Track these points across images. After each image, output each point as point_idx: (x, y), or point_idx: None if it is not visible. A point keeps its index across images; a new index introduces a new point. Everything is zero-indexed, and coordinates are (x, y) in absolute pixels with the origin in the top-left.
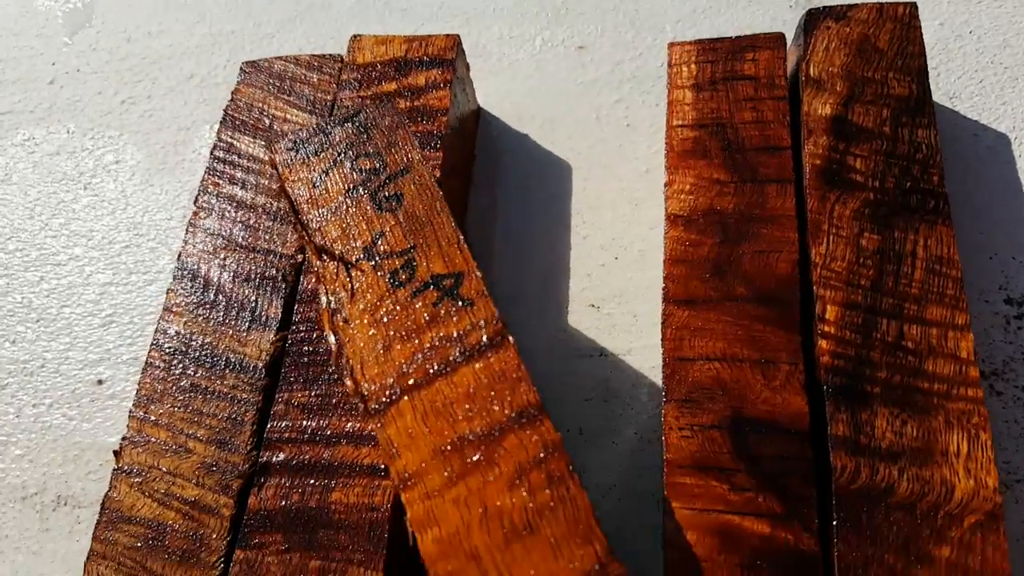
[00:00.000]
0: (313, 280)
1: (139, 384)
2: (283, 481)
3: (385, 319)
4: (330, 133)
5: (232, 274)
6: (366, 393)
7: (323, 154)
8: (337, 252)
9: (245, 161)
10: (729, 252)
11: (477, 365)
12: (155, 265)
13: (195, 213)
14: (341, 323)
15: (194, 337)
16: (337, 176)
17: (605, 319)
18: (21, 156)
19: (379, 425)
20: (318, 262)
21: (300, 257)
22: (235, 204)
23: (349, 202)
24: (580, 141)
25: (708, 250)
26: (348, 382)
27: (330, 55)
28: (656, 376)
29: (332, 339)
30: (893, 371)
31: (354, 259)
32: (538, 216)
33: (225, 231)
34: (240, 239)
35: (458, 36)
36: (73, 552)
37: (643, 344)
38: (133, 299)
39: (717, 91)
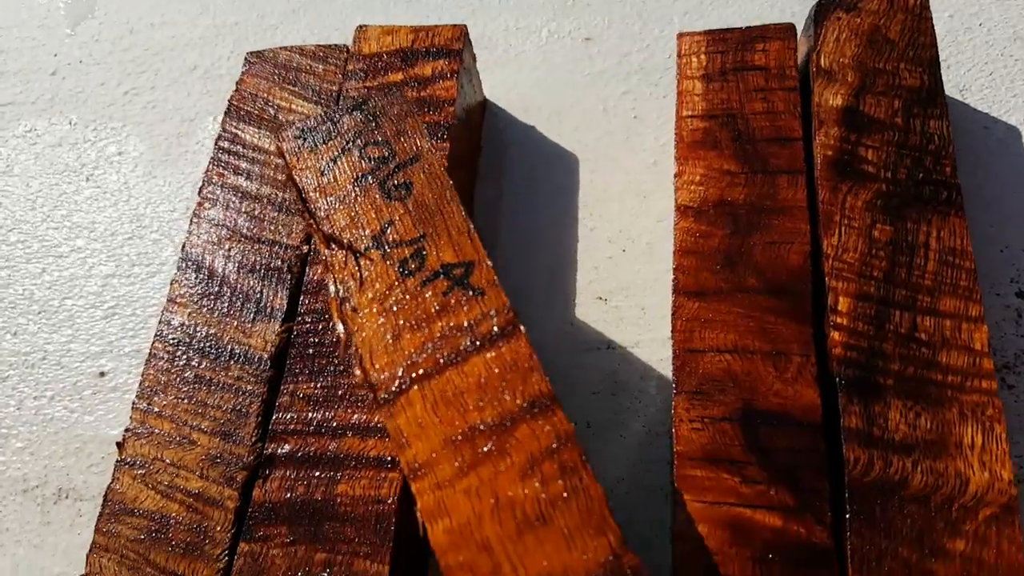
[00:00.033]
0: (319, 271)
1: (142, 375)
2: (288, 473)
3: (394, 308)
4: (338, 121)
5: (237, 265)
6: (375, 382)
7: (331, 142)
8: (345, 241)
9: (250, 151)
10: (740, 243)
11: (488, 355)
12: (158, 257)
13: (199, 204)
14: (350, 312)
15: (198, 328)
16: (345, 164)
17: (613, 312)
18: (23, 147)
19: (388, 415)
20: (326, 251)
21: (305, 248)
22: (240, 194)
23: (357, 191)
24: (587, 133)
25: (719, 241)
26: (357, 371)
27: (336, 45)
28: (664, 369)
29: (341, 328)
30: (906, 363)
31: (363, 248)
32: (545, 208)
33: (230, 222)
34: (245, 230)
35: (465, 26)
36: (74, 545)
37: (651, 337)
38: (136, 291)
39: (727, 81)
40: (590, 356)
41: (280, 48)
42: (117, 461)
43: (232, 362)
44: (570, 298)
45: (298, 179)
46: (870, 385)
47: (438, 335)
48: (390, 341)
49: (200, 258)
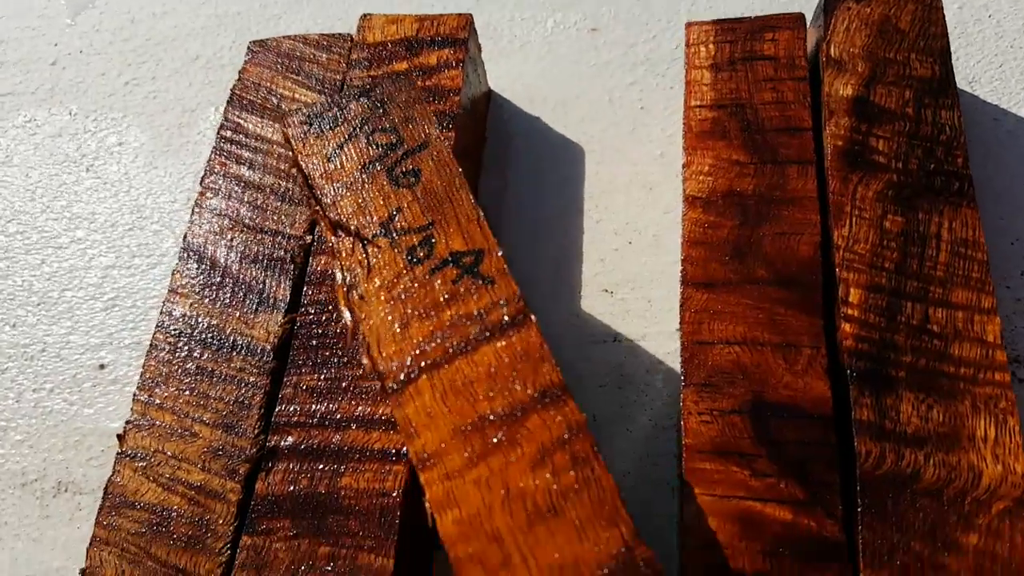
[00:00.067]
0: (324, 260)
1: (143, 366)
2: (291, 466)
3: (402, 296)
4: (345, 107)
5: (239, 255)
6: (383, 371)
7: (338, 128)
8: (353, 228)
9: (252, 141)
10: (749, 234)
11: (498, 344)
12: (159, 248)
13: (201, 193)
14: (357, 300)
15: (200, 319)
16: (352, 151)
17: (619, 304)
18: (22, 138)
19: (397, 404)
20: (333, 238)
21: (309, 238)
22: (242, 184)
23: (365, 177)
24: (593, 124)
25: (728, 232)
26: (364, 360)
27: (339, 34)
28: (671, 362)
29: (347, 316)
30: (918, 355)
31: (370, 235)
32: (550, 200)
33: (232, 211)
34: (247, 219)
35: (470, 15)
36: (74, 539)
37: (657, 330)
38: (136, 283)
39: (736, 71)
40: (596, 349)
41: (283, 37)
42: (118, 453)
43: (234, 353)
44: (576, 290)
45: (304, 165)
46: (882, 377)
47: (447, 324)
48: (398, 329)
49: (202, 248)
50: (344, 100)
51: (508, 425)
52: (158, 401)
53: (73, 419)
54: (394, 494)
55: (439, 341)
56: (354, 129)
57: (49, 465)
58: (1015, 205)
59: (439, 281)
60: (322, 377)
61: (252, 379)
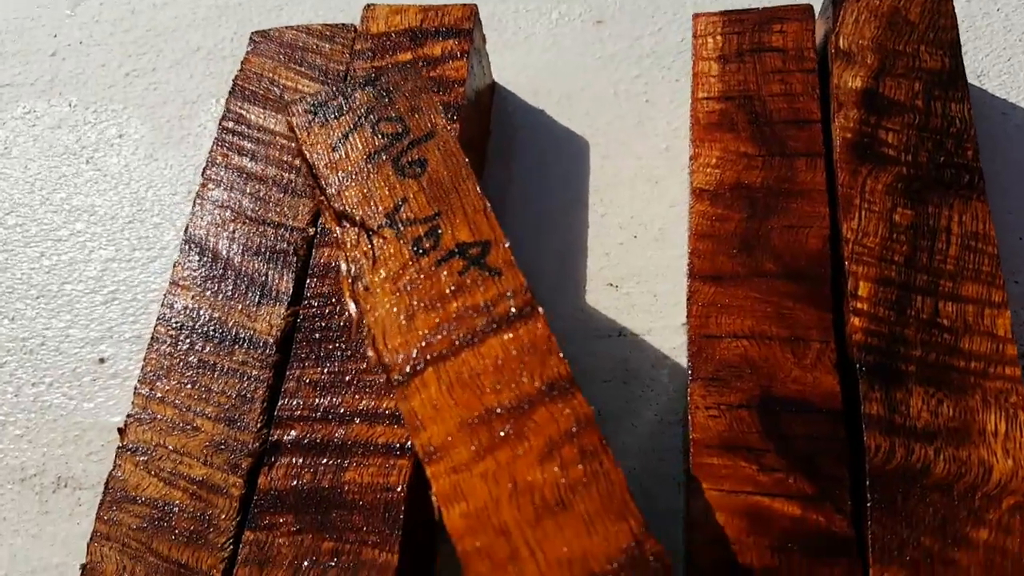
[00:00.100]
0: (327, 252)
1: (144, 360)
2: (295, 460)
3: (408, 288)
4: (350, 96)
5: (241, 247)
6: (389, 363)
7: (343, 118)
8: (358, 218)
9: (255, 132)
10: (757, 227)
11: (505, 336)
12: (159, 241)
13: (203, 185)
14: (362, 291)
15: (202, 311)
16: (358, 140)
17: (624, 299)
18: (22, 129)
19: (402, 396)
20: (338, 228)
21: (312, 230)
22: (244, 176)
23: (370, 167)
24: (598, 117)
25: (735, 225)
26: (370, 352)
27: (343, 25)
28: (676, 357)
29: (352, 308)
30: (928, 349)
31: (375, 226)
32: (555, 194)
33: (234, 203)
34: (250, 211)
35: (475, 6)
36: (74, 535)
37: (663, 324)
38: (136, 276)
39: (744, 63)
40: (601, 344)
41: (286, 27)
42: (118, 448)
43: (237, 347)
44: (580, 285)
45: (308, 154)
46: (891, 371)
47: (454, 315)
48: (404, 321)
49: (204, 240)
50: (349, 89)
51: (515, 418)
52: (159, 395)
53: (73, 413)
54: (398, 489)
55: (445, 333)
56: (359, 118)
57: (48, 460)
58: (1023, 199)
59: (445, 272)
60: (325, 371)
61: (254, 372)
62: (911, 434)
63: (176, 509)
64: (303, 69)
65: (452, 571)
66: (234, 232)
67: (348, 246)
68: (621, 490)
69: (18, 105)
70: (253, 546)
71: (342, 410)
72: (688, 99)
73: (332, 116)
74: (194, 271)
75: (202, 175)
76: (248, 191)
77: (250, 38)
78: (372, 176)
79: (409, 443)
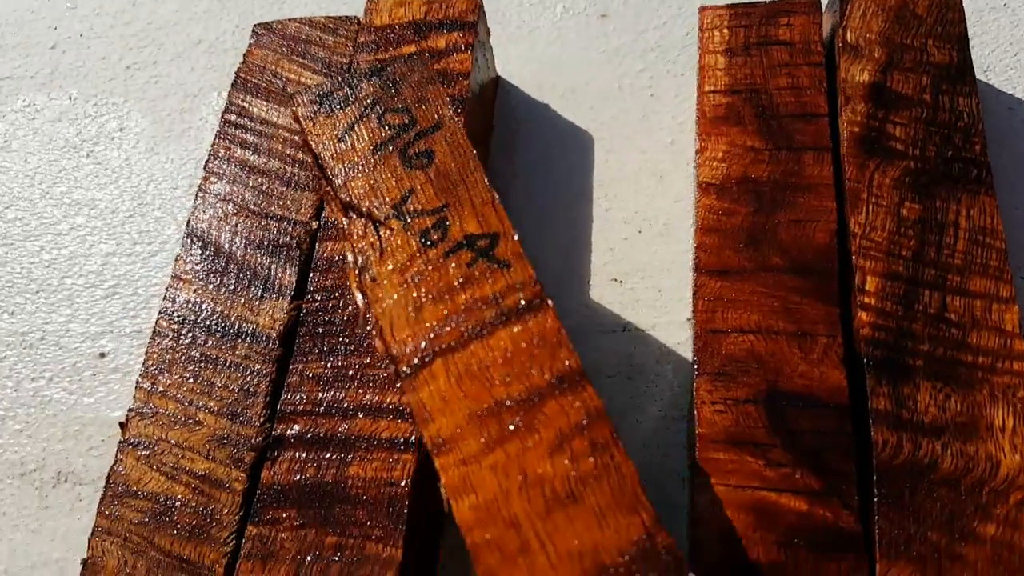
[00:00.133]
0: (329, 248)
1: (146, 354)
2: (298, 455)
3: (416, 279)
4: (356, 87)
5: (244, 241)
6: (397, 355)
7: (349, 108)
8: (364, 209)
9: (257, 125)
10: (764, 221)
11: (515, 328)
12: (160, 235)
13: (205, 178)
14: (369, 282)
15: (204, 305)
16: (364, 131)
17: (628, 294)
18: (21, 123)
19: (411, 388)
20: (344, 219)
21: (315, 224)
22: (247, 169)
23: (377, 158)
24: (602, 111)
25: (742, 219)
26: (378, 343)
27: (346, 17)
28: (681, 352)
29: (359, 299)
30: (936, 344)
31: (382, 217)
32: (559, 188)
33: (236, 196)
34: (252, 205)
35: None
36: (74, 530)
37: (668, 320)
38: (137, 270)
39: (751, 56)
40: (605, 339)
41: (289, 20)
42: (120, 442)
43: (239, 340)
44: (585, 280)
45: (314, 144)
46: (899, 366)
47: (462, 307)
48: (411, 313)
49: (206, 234)
50: (355, 79)
51: (525, 410)
52: (161, 389)
53: (73, 408)
54: (402, 483)
55: (454, 325)
56: (365, 109)
57: (48, 455)
58: None
59: (453, 264)
60: (329, 365)
61: (257, 367)
62: (918, 429)
63: (178, 504)
64: (306, 62)
65: (455, 566)
66: (236, 225)
67: (355, 237)
68: (632, 483)
69: (18, 98)
70: (256, 541)
71: (345, 404)
72: (693, 93)
73: (338, 106)
74: (196, 265)
75: (204, 168)
76: (251, 184)
77: (252, 30)
78: (379, 167)
79: (413, 438)
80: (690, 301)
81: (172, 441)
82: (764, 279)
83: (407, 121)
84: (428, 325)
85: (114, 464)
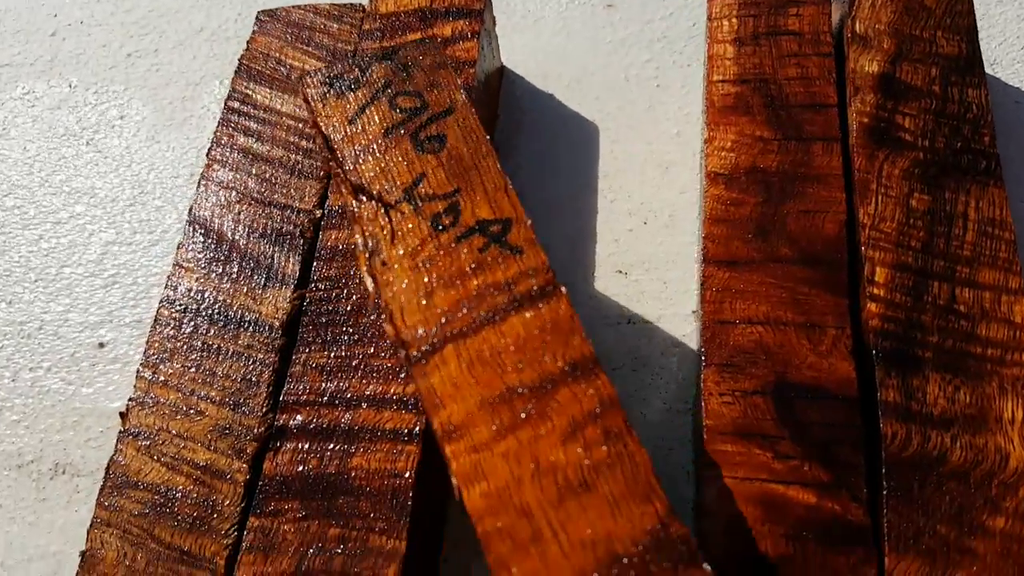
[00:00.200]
0: (333, 237)
1: (147, 343)
2: (300, 445)
3: (427, 264)
4: (367, 69)
5: (247, 229)
6: (407, 340)
7: (360, 91)
8: (375, 192)
9: (261, 112)
10: (773, 212)
11: (527, 315)
12: (161, 224)
13: (208, 165)
14: (379, 266)
15: (207, 294)
16: (375, 114)
17: (633, 286)
18: (20, 110)
19: (421, 374)
20: (354, 202)
21: (319, 212)
22: (250, 157)
23: (388, 141)
24: (608, 102)
25: (750, 209)
26: (388, 328)
27: (351, 4)
28: (687, 344)
29: (370, 283)
30: (945, 335)
31: (393, 200)
32: (563, 179)
33: (240, 184)
34: (255, 193)
35: None
36: (72, 522)
37: (673, 312)
38: (137, 259)
39: (760, 46)
40: (610, 331)
41: (293, 7)
42: (120, 432)
43: (242, 330)
44: (589, 271)
45: (324, 126)
46: (908, 358)
47: (474, 293)
48: (422, 298)
49: (208, 222)
50: (365, 62)
51: (538, 398)
52: (162, 378)
53: (71, 399)
54: (406, 475)
55: (465, 311)
56: (376, 92)
57: (46, 446)
58: None
59: (465, 250)
60: (332, 355)
61: (260, 356)
62: (927, 421)
63: (179, 495)
64: (311, 49)
65: (458, 558)
66: (239, 214)
67: (365, 220)
68: (646, 472)
69: (17, 85)
70: (258, 532)
71: (349, 395)
72: (699, 84)
73: (348, 89)
74: (198, 253)
75: (207, 156)
76: (254, 172)
77: (256, 17)
78: (390, 150)
79: (417, 428)
80: (695, 293)
81: (173, 431)
82: (772, 270)
83: (419, 105)
84: (439, 310)
85: (114, 455)
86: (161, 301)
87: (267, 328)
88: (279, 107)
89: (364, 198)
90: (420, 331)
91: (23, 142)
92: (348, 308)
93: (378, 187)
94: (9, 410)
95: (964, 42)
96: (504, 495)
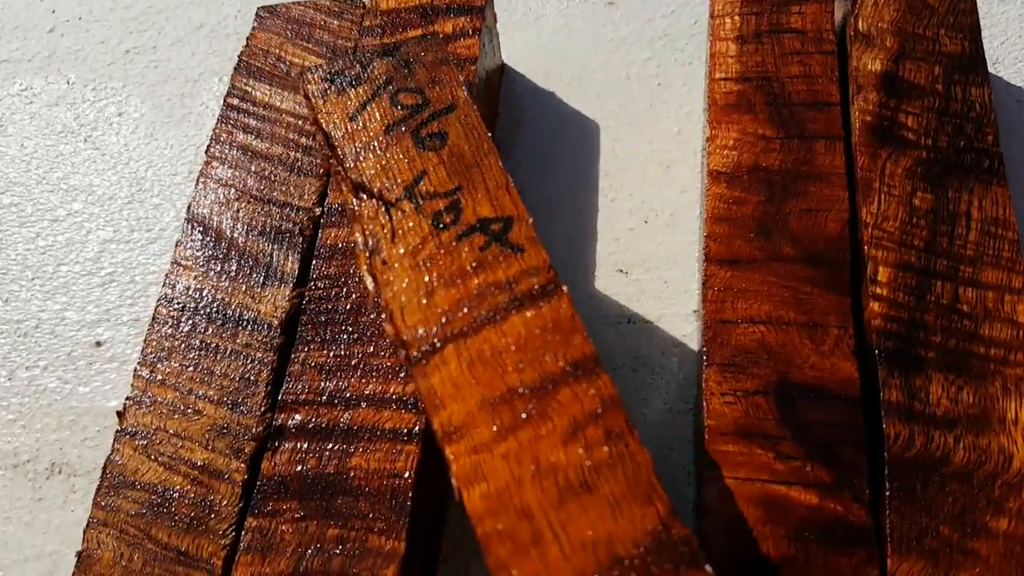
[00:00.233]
0: (332, 235)
1: (145, 341)
2: (299, 445)
3: (428, 263)
4: (368, 65)
5: (246, 227)
6: (407, 340)
7: (361, 87)
8: (375, 190)
9: (260, 109)
10: (775, 210)
11: (528, 314)
12: (159, 222)
13: (206, 163)
14: (379, 265)
15: (205, 292)
16: (376, 111)
17: (634, 285)
18: (18, 107)
19: (421, 374)
20: (354, 200)
21: (318, 210)
22: (249, 154)
23: (389, 139)
24: (609, 100)
25: (753, 208)
26: (388, 327)
27: (351, 0)
28: (687, 344)
29: (369, 282)
30: (948, 335)
31: (394, 198)
32: (564, 178)
33: (238, 182)
34: (255, 190)
35: None
36: (68, 523)
37: (673, 311)
38: (135, 257)
39: (762, 44)
40: (610, 331)
41: (293, 3)
42: (117, 431)
43: (240, 328)
44: (589, 270)
45: (324, 123)
46: (911, 358)
47: (475, 292)
48: (423, 297)
49: (207, 219)
50: (366, 58)
51: (538, 398)
52: (160, 377)
53: (68, 398)
54: (406, 475)
55: (466, 310)
56: (378, 88)
57: (42, 446)
58: None
59: (466, 248)
60: (331, 354)
61: (258, 355)
62: (931, 422)
63: (176, 495)
64: (311, 45)
65: (457, 559)
66: (238, 211)
67: (365, 218)
68: (648, 472)
69: (15, 82)
70: (256, 533)
71: (348, 394)
72: (701, 83)
73: (349, 85)
74: (197, 251)
75: (206, 153)
76: (253, 169)
77: (256, 13)
78: (391, 147)
79: (417, 428)
80: (696, 292)
81: (170, 431)
82: (775, 269)
83: (420, 102)
84: (440, 310)
85: (111, 454)
86: (159, 299)
87: (266, 327)
88: (279, 104)
89: (364, 196)
90: (420, 331)
91: (20, 139)
92: (347, 307)
93: (379, 185)
94: (5, 409)
95: (967, 40)
96: (504, 496)
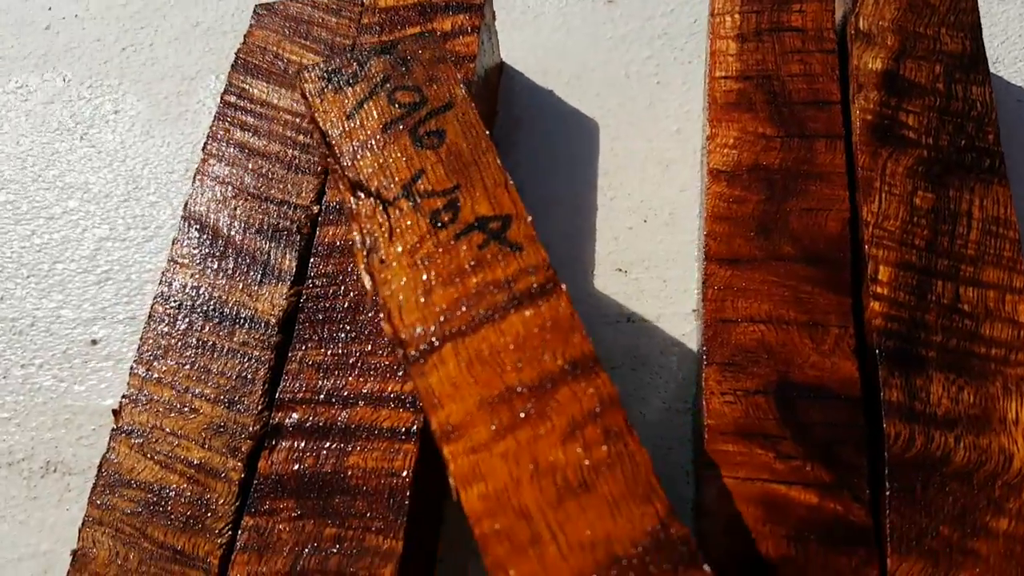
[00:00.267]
0: (330, 233)
1: (141, 339)
2: (296, 444)
3: (426, 261)
4: (365, 64)
5: (243, 224)
6: (405, 339)
7: (358, 86)
8: (373, 188)
9: (257, 107)
10: (775, 209)
11: (527, 312)
12: (155, 220)
13: (203, 160)
14: (377, 264)
15: (202, 290)
16: (373, 109)
17: (633, 284)
18: (14, 104)
19: (419, 373)
20: (352, 198)
21: (316, 208)
22: (246, 152)
23: (386, 137)
24: (608, 99)
25: (753, 207)
26: (386, 326)
27: None
28: (686, 343)
29: (367, 281)
30: (949, 335)
31: (391, 197)
32: (563, 177)
33: (236, 179)
34: (252, 188)
35: None
36: (63, 522)
37: (673, 310)
38: (131, 255)
39: (763, 42)
40: (609, 330)
41: (291, 0)
42: (113, 429)
43: (237, 326)
44: (588, 269)
45: (321, 122)
46: (911, 357)
47: (473, 291)
48: (421, 296)
49: (204, 217)
50: (364, 56)
51: (537, 397)
52: (156, 375)
53: (63, 396)
54: (403, 474)
55: (464, 309)
56: (375, 86)
57: (37, 444)
58: None
59: (464, 247)
60: (329, 352)
61: (256, 353)
62: (931, 421)
63: (172, 493)
64: (308, 43)
65: (454, 558)
66: (235, 209)
67: (363, 217)
68: (646, 472)
69: (10, 79)
70: (252, 532)
71: (346, 393)
72: (700, 81)
73: (346, 83)
74: (193, 249)
75: (203, 150)
76: (250, 167)
77: (254, 10)
78: (389, 146)
79: (414, 427)
80: (695, 291)
81: (167, 429)
82: (775, 268)
83: (418, 100)
84: (438, 309)
85: (106, 452)
86: (155, 297)
87: (263, 325)
88: (276, 102)
89: (362, 195)
90: (418, 330)
91: (16, 136)
92: (345, 305)
93: (376, 183)
94: (0, 407)
95: (968, 39)
96: (503, 496)
